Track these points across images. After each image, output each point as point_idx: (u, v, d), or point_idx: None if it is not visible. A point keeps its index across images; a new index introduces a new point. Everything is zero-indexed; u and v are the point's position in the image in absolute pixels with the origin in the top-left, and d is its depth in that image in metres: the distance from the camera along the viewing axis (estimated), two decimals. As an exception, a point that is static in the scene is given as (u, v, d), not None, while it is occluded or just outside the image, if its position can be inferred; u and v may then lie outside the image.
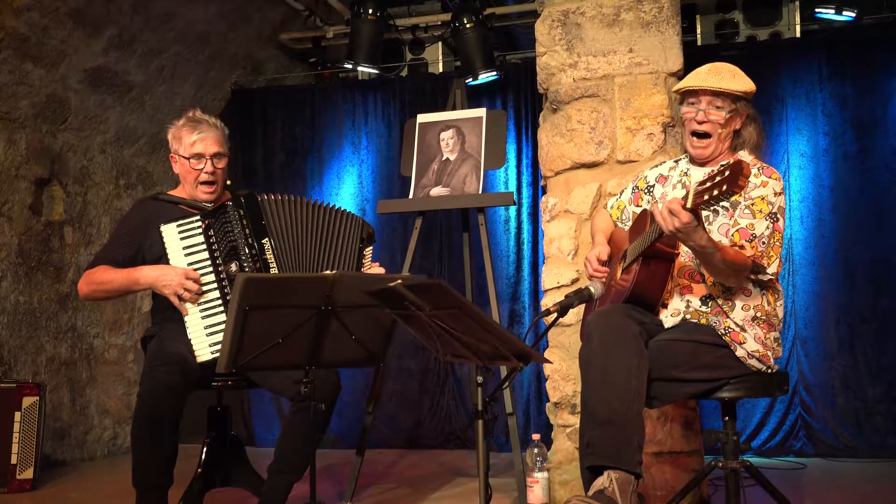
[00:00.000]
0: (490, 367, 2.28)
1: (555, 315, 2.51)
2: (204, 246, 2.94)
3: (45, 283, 4.83)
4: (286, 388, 2.88)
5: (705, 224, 2.39)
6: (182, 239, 2.93)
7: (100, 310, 5.19)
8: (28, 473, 4.11)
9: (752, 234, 2.54)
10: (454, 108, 4.09)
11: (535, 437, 3.33)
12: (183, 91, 5.54)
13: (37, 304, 4.77)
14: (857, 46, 4.88)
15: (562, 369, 3.50)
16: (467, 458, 4.76)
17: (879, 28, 4.95)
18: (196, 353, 2.83)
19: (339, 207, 3.18)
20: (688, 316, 2.63)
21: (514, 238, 5.38)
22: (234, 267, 2.93)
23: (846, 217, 4.79)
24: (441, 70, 5.83)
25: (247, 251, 2.96)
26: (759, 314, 2.62)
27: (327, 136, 5.79)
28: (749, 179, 2.24)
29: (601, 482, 2.34)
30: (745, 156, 2.71)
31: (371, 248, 3.26)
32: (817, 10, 4.82)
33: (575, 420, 3.43)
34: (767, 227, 2.55)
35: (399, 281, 2.14)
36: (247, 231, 2.98)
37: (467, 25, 5.19)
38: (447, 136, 3.98)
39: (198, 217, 2.96)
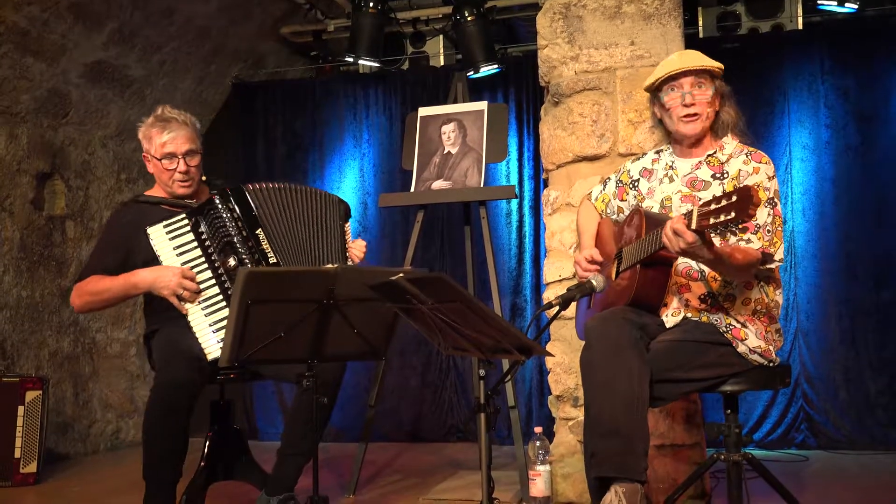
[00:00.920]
0: (492, 360, 2.28)
1: (557, 308, 2.51)
2: (195, 244, 2.92)
3: (47, 278, 4.83)
4: (290, 374, 2.88)
5: None
6: (171, 239, 2.91)
7: (102, 304, 5.19)
8: (31, 467, 4.12)
9: (756, 225, 2.52)
10: (455, 102, 4.09)
11: (538, 430, 3.33)
12: (184, 85, 5.53)
13: (39, 298, 4.77)
14: (860, 39, 4.86)
15: (564, 362, 3.50)
16: (469, 451, 4.77)
17: (882, 20, 4.93)
18: (206, 352, 2.82)
19: (317, 189, 3.18)
20: (689, 314, 2.62)
21: (515, 231, 5.37)
22: (232, 261, 2.91)
23: (848, 210, 4.78)
24: (442, 63, 5.82)
25: (243, 244, 2.94)
26: (759, 307, 2.61)
27: (328, 129, 5.78)
28: (759, 206, 2.18)
29: (609, 499, 2.33)
30: (729, 140, 2.70)
31: (349, 223, 3.25)
32: (819, 2, 4.81)
33: (577, 413, 3.43)
34: (769, 214, 2.54)
35: (401, 275, 2.15)
36: (239, 224, 2.95)
37: (468, 18, 5.17)
38: (449, 130, 3.98)
39: (184, 215, 2.93)
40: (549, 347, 3.54)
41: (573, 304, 2.71)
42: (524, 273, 5.34)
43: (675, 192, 2.72)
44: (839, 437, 4.65)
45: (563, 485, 3.44)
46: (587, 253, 2.78)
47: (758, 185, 2.55)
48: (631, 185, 2.89)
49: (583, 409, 2.53)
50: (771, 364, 2.60)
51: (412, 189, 3.97)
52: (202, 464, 3.08)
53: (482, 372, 2.28)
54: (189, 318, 2.87)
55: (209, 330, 2.86)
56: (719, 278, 2.60)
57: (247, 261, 2.92)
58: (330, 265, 2.56)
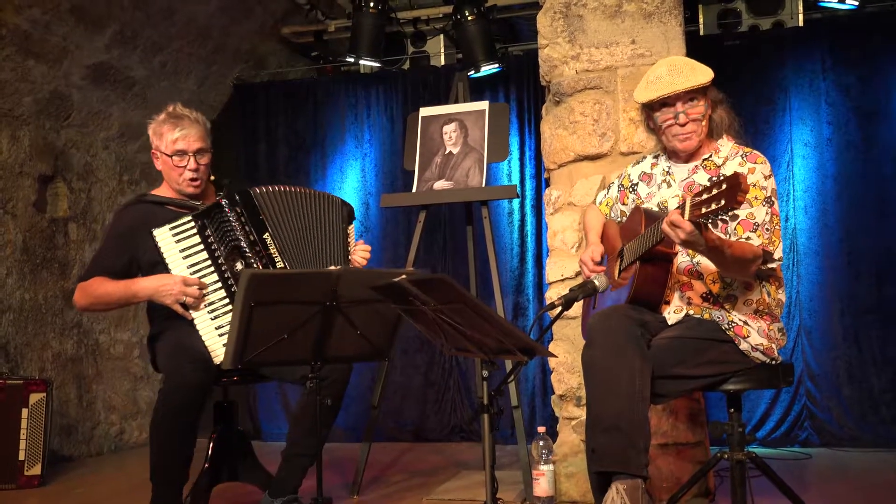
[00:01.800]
0: (495, 361, 2.28)
1: (559, 309, 2.51)
2: (202, 246, 2.91)
3: (50, 280, 4.84)
4: (295, 376, 2.88)
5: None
6: (178, 241, 2.89)
7: (105, 305, 5.20)
8: (36, 469, 4.13)
9: (754, 224, 2.53)
10: (457, 102, 4.09)
11: (541, 429, 3.34)
12: (185, 86, 5.54)
13: (42, 300, 4.78)
14: (861, 35, 4.85)
15: (567, 362, 3.51)
16: (472, 451, 4.77)
17: (883, 16, 4.92)
18: (213, 355, 2.82)
19: (321, 191, 3.18)
20: (691, 311, 2.63)
21: (517, 231, 5.38)
22: (239, 265, 2.90)
23: (850, 206, 4.77)
24: (443, 63, 5.83)
25: (250, 248, 2.94)
26: (761, 307, 2.62)
27: (330, 130, 5.79)
28: (746, 193, 2.20)
29: (611, 497, 2.34)
30: (725, 142, 2.70)
31: (353, 225, 3.26)
32: (820, -2, 4.81)
33: (580, 412, 3.44)
34: (766, 213, 2.55)
35: (404, 276, 2.15)
36: (247, 228, 2.95)
37: (469, 18, 5.18)
38: (450, 130, 3.98)
39: (189, 217, 2.92)
40: (551, 347, 3.54)
41: (577, 304, 2.71)
42: (526, 272, 5.34)
43: (672, 197, 2.74)
44: (842, 435, 4.65)
45: (566, 484, 3.44)
46: (590, 251, 2.80)
47: (754, 184, 2.56)
48: (630, 189, 2.90)
49: (585, 409, 2.54)
50: (773, 362, 2.61)
51: (414, 189, 3.97)
52: (206, 465, 3.09)
53: (485, 373, 2.28)
54: (196, 323, 2.86)
55: (215, 334, 2.86)
56: (719, 279, 2.60)
57: (255, 265, 2.92)
58: (333, 267, 2.56)
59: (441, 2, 5.78)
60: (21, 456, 4.10)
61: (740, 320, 2.58)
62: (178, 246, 2.89)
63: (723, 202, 2.15)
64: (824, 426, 4.69)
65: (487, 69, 5.26)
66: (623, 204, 2.93)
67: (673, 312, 2.65)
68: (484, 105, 3.98)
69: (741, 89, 4.67)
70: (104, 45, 4.79)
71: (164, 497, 2.80)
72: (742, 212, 2.54)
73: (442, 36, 5.81)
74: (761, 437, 4.72)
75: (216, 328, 2.85)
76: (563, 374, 3.52)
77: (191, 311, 2.87)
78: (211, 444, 3.12)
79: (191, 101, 5.50)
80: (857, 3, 4.75)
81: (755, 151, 2.66)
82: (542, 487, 3.23)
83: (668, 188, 2.77)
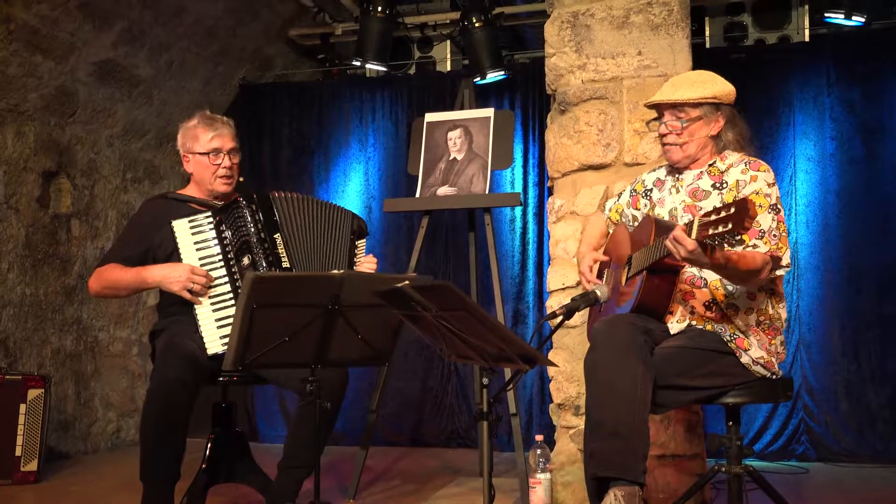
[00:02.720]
0: (495, 368, 2.28)
1: (560, 318, 2.52)
2: (216, 241, 3.01)
3: (51, 276, 4.84)
4: (293, 382, 2.90)
5: None
6: (193, 234, 3.00)
7: (105, 303, 5.20)
8: (32, 465, 4.12)
9: (760, 231, 2.54)
10: (462, 108, 4.10)
11: (539, 438, 3.34)
12: (191, 86, 5.55)
13: (43, 296, 4.78)
14: (866, 51, 4.87)
15: (566, 370, 3.51)
16: (469, 457, 4.77)
17: (888, 33, 4.94)
18: (206, 346, 2.89)
19: (334, 203, 3.29)
20: (693, 321, 2.64)
21: (519, 238, 5.38)
22: (246, 260, 3.01)
23: (852, 222, 4.78)
24: (449, 68, 5.83)
25: (259, 246, 3.03)
26: (763, 318, 2.62)
27: (334, 132, 5.80)
28: (755, 219, 2.23)
29: (608, 503, 2.34)
30: (731, 154, 2.72)
31: (363, 240, 3.35)
32: (826, 14, 4.82)
33: (578, 421, 3.44)
34: (773, 220, 2.56)
35: (406, 282, 2.15)
36: (259, 226, 3.05)
37: (476, 24, 5.19)
38: (455, 136, 3.99)
39: (209, 213, 3.03)
40: (551, 356, 3.54)
41: (577, 314, 2.72)
42: (527, 279, 5.34)
43: (679, 203, 2.76)
44: (840, 450, 4.65)
45: (563, 493, 3.44)
46: (587, 261, 2.84)
47: (758, 192, 2.57)
48: (644, 195, 2.93)
49: (584, 419, 2.54)
50: (773, 376, 2.61)
51: (417, 194, 3.98)
52: (203, 465, 3.09)
53: (485, 380, 2.28)
54: (197, 312, 2.94)
55: (214, 325, 2.93)
56: (723, 288, 2.61)
57: (260, 262, 3.01)
58: (336, 271, 2.57)
59: (448, 7, 5.80)
60: (18, 452, 4.09)
61: (742, 332, 2.59)
62: (193, 238, 3.00)
63: (730, 226, 2.17)
64: (821, 441, 4.70)
65: (493, 76, 5.27)
66: (635, 209, 2.95)
67: (676, 322, 2.66)
68: (489, 112, 3.99)
69: (745, 103, 4.60)
70: (111, 42, 4.80)
71: (154, 495, 2.82)
72: None
73: (448, 42, 5.83)
74: (758, 451, 4.71)
75: (216, 320, 2.94)
76: (562, 382, 3.52)
77: (197, 298, 2.95)
78: (208, 445, 3.12)
79: (196, 101, 5.52)
80: (863, 20, 4.77)
81: (759, 160, 2.67)
82: (538, 496, 3.23)
83: (676, 193, 2.80)
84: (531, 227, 5.36)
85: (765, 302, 2.64)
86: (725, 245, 2.30)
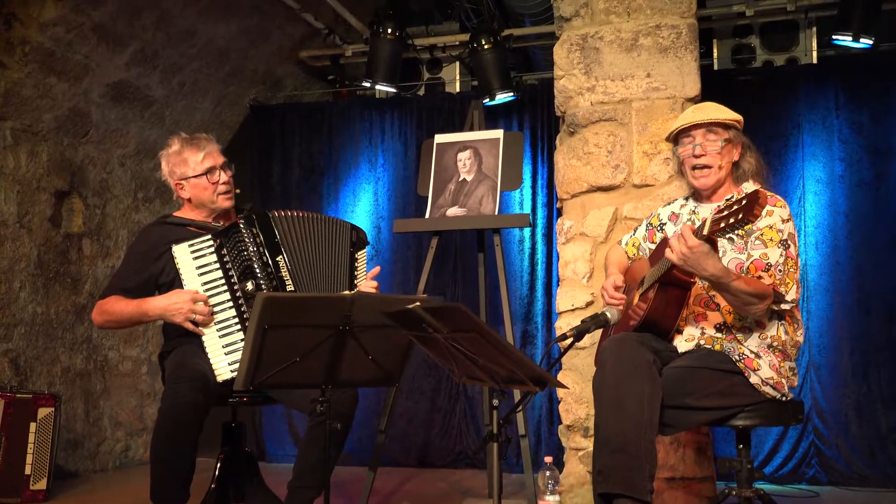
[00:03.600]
0: (505, 390, 2.28)
1: (570, 340, 2.52)
2: (217, 265, 2.97)
3: (62, 295, 4.87)
4: (303, 403, 2.89)
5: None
6: (195, 259, 2.95)
7: (115, 322, 5.22)
8: (41, 484, 4.13)
9: (767, 264, 2.55)
10: (472, 129, 4.12)
11: (548, 459, 3.32)
12: (202, 106, 5.59)
13: (54, 315, 4.81)
14: (874, 73, 4.88)
15: (575, 392, 3.50)
16: (477, 479, 4.75)
17: (896, 56, 4.96)
18: (216, 373, 2.86)
19: (335, 218, 3.25)
20: (702, 342, 2.64)
21: (528, 258, 5.39)
22: (250, 285, 2.95)
23: (861, 244, 4.77)
24: (458, 90, 5.87)
25: (262, 269, 2.99)
26: (774, 343, 2.62)
27: (344, 153, 5.83)
28: (764, 208, 2.27)
29: None
30: (750, 186, 2.74)
31: (364, 251, 3.29)
32: (834, 37, 4.83)
33: (587, 443, 3.43)
34: (781, 255, 2.56)
35: (417, 303, 2.16)
36: (261, 249, 3.00)
37: (485, 46, 5.22)
38: (464, 157, 4.01)
39: (209, 237, 2.98)
40: (560, 377, 3.54)
41: (588, 335, 2.72)
42: (536, 300, 5.34)
43: None
44: (850, 474, 4.61)
45: (572, 515, 3.43)
46: (611, 279, 2.84)
47: (771, 227, 2.58)
48: (659, 228, 2.95)
49: (593, 440, 2.54)
50: (783, 399, 2.60)
51: (427, 215, 4.00)
52: (212, 486, 3.08)
53: (496, 402, 2.28)
54: (204, 339, 2.91)
55: (222, 352, 2.90)
56: (734, 311, 2.61)
57: (264, 286, 2.97)
58: (346, 292, 2.57)
59: (458, 29, 5.84)
60: (27, 470, 4.10)
61: (751, 353, 2.58)
62: (195, 263, 2.95)
63: (741, 215, 2.21)
64: (832, 464, 4.66)
65: (502, 97, 5.30)
66: (651, 242, 2.97)
67: (684, 342, 2.66)
68: (499, 133, 4.01)
69: (754, 125, 4.66)
70: (124, 63, 4.86)
71: None
72: (756, 251, 2.56)
73: (458, 63, 5.86)
74: (768, 474, 4.68)
75: (223, 346, 2.90)
76: (572, 404, 3.51)
77: (200, 328, 2.91)
78: (218, 465, 3.11)
79: (207, 121, 5.57)
80: (871, 42, 4.78)
81: (776, 195, 2.68)
82: (547, 518, 3.21)
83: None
84: (540, 247, 5.37)
85: (777, 327, 2.63)
86: (733, 236, 2.33)
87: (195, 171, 3.12)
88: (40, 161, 4.71)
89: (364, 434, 5.19)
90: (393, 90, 5.59)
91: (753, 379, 2.56)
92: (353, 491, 4.32)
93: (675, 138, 2.80)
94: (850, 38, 4.79)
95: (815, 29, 5.20)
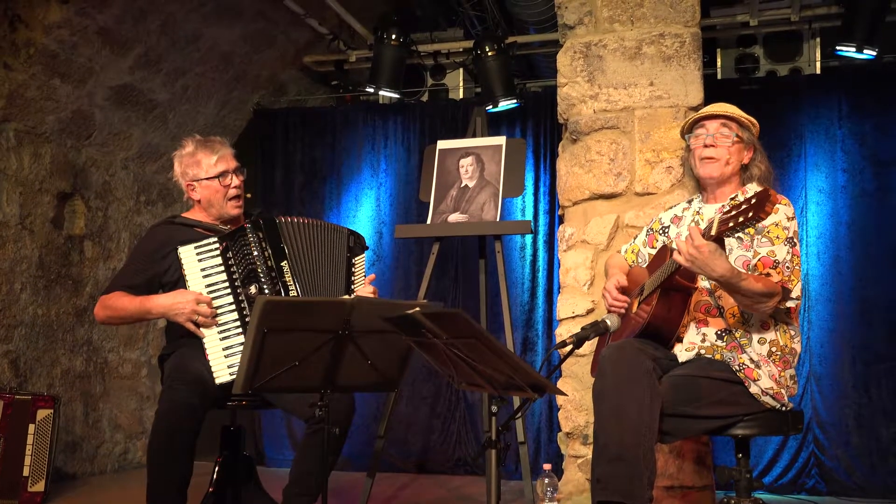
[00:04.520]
0: (504, 396, 2.28)
1: (570, 347, 2.52)
2: (222, 268, 2.96)
3: (63, 297, 4.87)
4: (301, 409, 2.89)
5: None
6: (200, 260, 2.96)
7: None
8: (39, 486, 4.12)
9: (774, 261, 2.55)
10: (474, 135, 4.12)
11: (546, 466, 3.31)
12: (206, 110, 5.60)
13: (54, 317, 4.81)
14: (877, 84, 4.88)
15: (574, 399, 3.50)
16: (476, 485, 4.74)
17: (900, 67, 4.96)
18: (215, 375, 2.85)
19: (330, 223, 3.25)
20: (702, 350, 2.64)
21: (529, 265, 5.38)
22: (253, 289, 2.96)
23: (863, 255, 4.77)
24: (462, 96, 5.88)
25: (266, 274, 2.99)
26: (774, 349, 2.62)
27: (347, 158, 5.83)
28: (774, 205, 2.28)
29: None
30: (754, 186, 2.75)
31: (362, 256, 3.28)
32: (838, 47, 4.83)
33: (586, 451, 3.42)
34: (788, 252, 2.57)
35: (417, 309, 2.15)
36: (266, 254, 3.01)
37: (489, 53, 5.23)
38: (467, 163, 4.01)
39: (215, 239, 2.98)
40: (559, 384, 3.54)
41: (586, 342, 2.71)
42: (536, 307, 5.34)
43: None
44: (850, 485, 4.60)
45: (570, 523, 3.42)
46: (614, 280, 2.83)
47: (776, 224, 2.58)
48: (661, 232, 2.94)
49: (591, 448, 2.53)
50: (783, 408, 2.60)
51: (429, 221, 4.00)
52: (210, 489, 3.08)
53: (494, 408, 2.28)
54: (204, 341, 2.90)
55: (221, 354, 2.89)
56: (737, 315, 2.61)
57: (268, 290, 2.97)
58: (347, 296, 2.57)
59: (462, 36, 5.85)
60: (25, 472, 4.09)
61: (752, 362, 2.58)
62: (199, 265, 2.95)
63: (751, 214, 2.22)
64: (832, 474, 4.65)
65: (505, 104, 5.30)
66: (651, 248, 2.96)
67: (685, 350, 2.65)
68: (501, 140, 4.02)
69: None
70: (128, 67, 4.87)
71: None
72: (763, 249, 2.56)
73: (461, 69, 5.87)
74: (768, 483, 4.67)
75: (223, 349, 2.89)
76: (571, 411, 3.51)
77: (202, 330, 2.91)
78: (216, 469, 3.11)
79: (210, 125, 5.58)
80: (874, 53, 4.78)
81: (780, 194, 2.68)
82: (545, 526, 3.20)
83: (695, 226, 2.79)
84: (541, 254, 5.37)
85: (778, 333, 2.64)
86: (742, 235, 2.33)
87: (208, 173, 3.13)
88: (43, 163, 4.72)
89: (362, 439, 5.18)
90: (396, 96, 5.60)
91: (753, 389, 2.56)
92: (352, 497, 4.31)
93: (690, 130, 2.81)
94: (853, 49, 4.79)
95: (818, 39, 5.21)
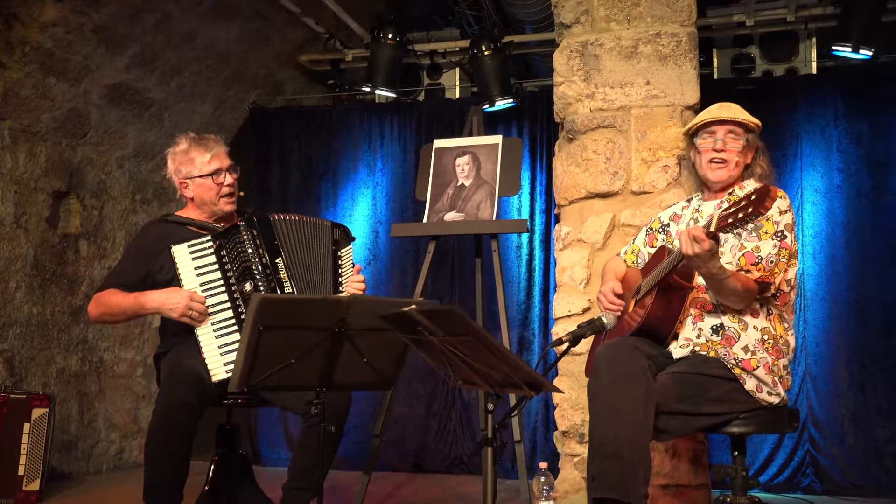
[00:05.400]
0: (500, 394, 2.28)
1: (566, 345, 2.51)
2: (216, 266, 2.96)
3: (58, 296, 4.86)
4: (297, 405, 2.89)
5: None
6: (194, 259, 2.95)
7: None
8: (34, 485, 4.11)
9: (757, 258, 2.58)
10: (471, 134, 4.12)
11: (543, 465, 3.31)
12: (202, 109, 5.59)
13: (49, 316, 4.80)
14: (873, 84, 4.89)
15: (571, 398, 3.50)
16: (472, 484, 4.74)
17: (895, 67, 4.97)
18: (211, 373, 2.85)
19: (315, 218, 3.23)
20: (697, 347, 2.64)
21: (525, 264, 5.38)
22: (248, 286, 2.96)
23: (859, 254, 4.78)
24: (458, 95, 5.88)
25: (261, 271, 2.99)
26: (766, 336, 2.63)
27: (343, 157, 5.83)
28: (775, 201, 2.32)
29: None
30: (750, 183, 2.78)
31: (349, 247, 3.26)
32: (834, 47, 4.84)
33: (583, 449, 3.42)
34: (774, 247, 2.59)
35: (413, 306, 2.15)
36: (261, 251, 3.01)
37: (485, 52, 5.23)
38: (463, 162, 4.01)
39: (209, 238, 2.98)
40: (556, 383, 3.54)
41: (582, 341, 2.71)
42: (533, 306, 5.34)
43: None
44: (846, 484, 4.61)
45: (566, 522, 3.42)
46: (610, 285, 2.84)
47: (767, 219, 2.61)
48: (660, 230, 2.96)
49: (588, 437, 2.53)
50: (779, 402, 2.60)
51: (425, 220, 3.99)
52: (206, 488, 3.07)
53: (490, 406, 2.28)
54: (199, 339, 2.90)
55: (218, 352, 2.89)
56: (731, 308, 2.63)
57: (262, 287, 2.97)
58: (343, 294, 2.57)
59: (458, 35, 5.85)
60: (20, 471, 4.08)
61: (746, 350, 2.59)
62: (193, 263, 2.95)
63: (750, 210, 2.25)
64: (827, 474, 4.65)
65: (502, 103, 5.30)
66: (651, 247, 2.97)
67: (679, 347, 2.66)
68: (497, 139, 4.01)
69: (753, 133, 4.70)
70: (124, 65, 4.86)
71: None
72: (750, 244, 2.58)
73: (458, 69, 5.87)
74: (763, 482, 4.68)
75: (220, 346, 2.90)
76: (567, 410, 3.51)
77: (197, 328, 2.91)
78: (212, 467, 3.10)
79: (206, 124, 5.57)
80: (870, 54, 4.79)
81: (776, 187, 2.69)
82: (541, 524, 3.20)
83: (695, 224, 2.80)
84: (538, 253, 5.37)
85: (770, 321, 2.66)
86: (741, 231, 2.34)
87: (201, 171, 3.13)
88: (38, 161, 4.70)
89: (358, 438, 5.17)
90: (393, 95, 5.59)
91: (748, 385, 2.56)
92: (347, 496, 4.30)
93: (695, 132, 2.83)
94: (849, 49, 4.80)
95: (814, 40, 5.22)
